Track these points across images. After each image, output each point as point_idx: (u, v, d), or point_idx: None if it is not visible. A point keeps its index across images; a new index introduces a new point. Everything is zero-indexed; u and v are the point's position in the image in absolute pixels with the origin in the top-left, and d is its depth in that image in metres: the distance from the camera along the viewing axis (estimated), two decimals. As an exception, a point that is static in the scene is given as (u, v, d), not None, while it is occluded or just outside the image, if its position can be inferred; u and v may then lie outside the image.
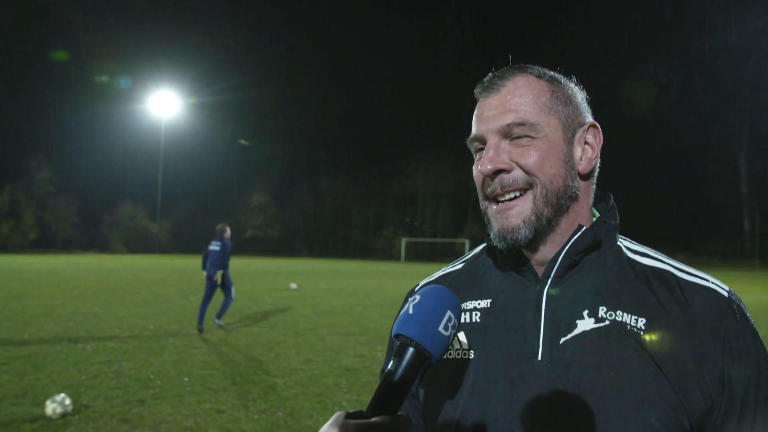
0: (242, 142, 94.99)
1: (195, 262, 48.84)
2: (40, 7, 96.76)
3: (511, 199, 1.02)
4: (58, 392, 5.87)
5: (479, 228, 77.39)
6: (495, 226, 1.04)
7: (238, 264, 45.60)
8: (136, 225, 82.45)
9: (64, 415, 5.40)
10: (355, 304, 16.29)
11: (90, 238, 77.42)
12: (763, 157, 60.92)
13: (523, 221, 1.00)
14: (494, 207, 1.04)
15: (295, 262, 56.58)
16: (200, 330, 10.68)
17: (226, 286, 11.43)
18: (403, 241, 71.89)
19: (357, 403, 6.12)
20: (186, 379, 6.95)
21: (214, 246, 11.53)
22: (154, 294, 17.69)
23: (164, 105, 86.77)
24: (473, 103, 1.11)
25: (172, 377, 7.02)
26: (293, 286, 21.12)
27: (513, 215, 1.01)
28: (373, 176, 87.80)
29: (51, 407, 5.40)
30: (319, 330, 11.11)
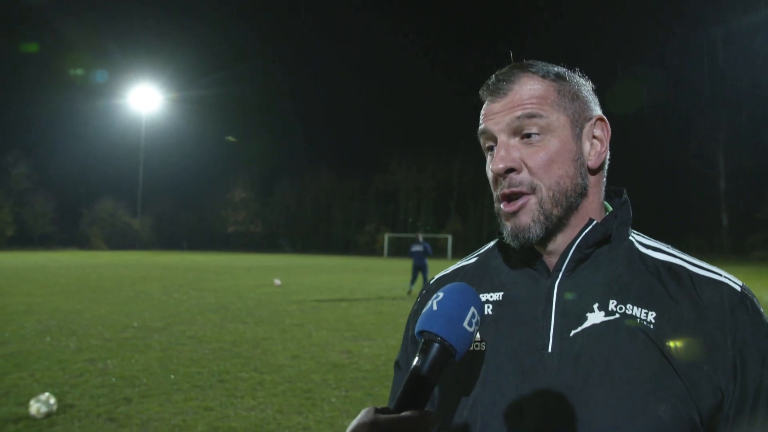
0: (229, 138, 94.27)
1: (177, 258, 48.36)
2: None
3: (518, 198, 1.03)
4: (42, 391, 5.78)
5: (461, 223, 77.86)
6: (508, 225, 1.05)
7: (219, 260, 45.29)
8: (117, 221, 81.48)
9: (48, 415, 5.32)
10: (340, 299, 16.28)
11: (69, 234, 76.41)
12: (741, 154, 62.02)
13: (533, 220, 1.02)
14: (504, 206, 1.05)
15: (277, 257, 56.35)
16: (409, 292, 18.05)
17: (426, 269, 17.86)
18: (386, 237, 71.93)
19: (346, 399, 6.12)
20: (172, 376, 6.89)
21: (417, 248, 18.11)
22: (136, 291, 17.49)
23: (144, 100, 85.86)
24: (478, 105, 1.12)
25: (159, 375, 6.95)
26: (277, 282, 21.03)
27: (522, 214, 1.03)
28: (355, 172, 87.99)
29: (35, 407, 5.31)
30: (305, 326, 11.08)
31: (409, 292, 18.09)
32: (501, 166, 1.02)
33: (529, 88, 1.04)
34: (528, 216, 1.02)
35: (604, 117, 1.09)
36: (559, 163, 1.02)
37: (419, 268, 18.04)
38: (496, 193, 1.07)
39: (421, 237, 18.80)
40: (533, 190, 1.02)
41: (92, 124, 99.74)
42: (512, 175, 1.02)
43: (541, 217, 1.01)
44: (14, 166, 75.29)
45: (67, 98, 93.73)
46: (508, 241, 1.06)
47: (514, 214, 1.03)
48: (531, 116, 1.02)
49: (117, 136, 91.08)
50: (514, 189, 1.02)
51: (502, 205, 1.06)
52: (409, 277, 18.94)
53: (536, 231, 1.02)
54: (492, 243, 1.23)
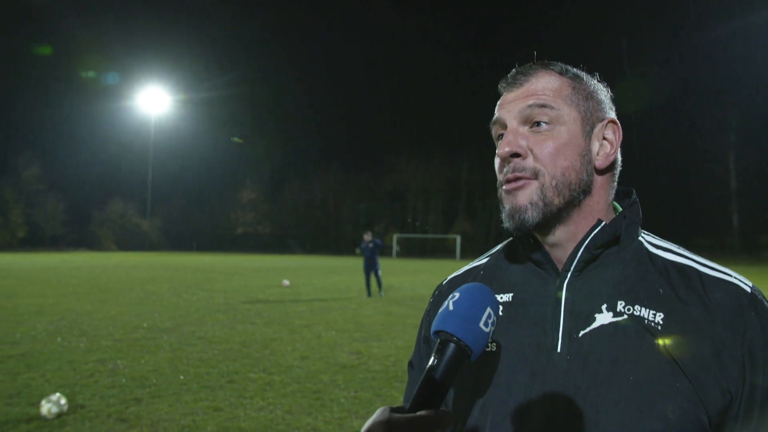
0: (235, 139, 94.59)
1: (186, 259, 48.64)
2: (22, 0, 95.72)
3: (518, 179, 1.04)
4: (53, 392, 5.83)
5: (470, 224, 77.65)
6: (506, 205, 1.05)
7: (228, 261, 45.47)
8: (127, 222, 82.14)
9: (59, 415, 5.37)
10: (349, 300, 16.30)
11: (79, 235, 77.08)
12: (752, 153, 61.49)
13: (530, 203, 1.02)
14: (505, 187, 1.06)
15: (286, 258, 56.47)
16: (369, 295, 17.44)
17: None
18: (395, 237, 71.86)
19: (355, 399, 6.12)
20: (182, 377, 6.93)
21: (371, 244, 17.76)
22: (146, 292, 17.61)
23: (153, 101, 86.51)
24: (490, 98, 1.13)
25: (168, 375, 6.99)
26: (286, 282, 21.09)
27: (520, 195, 1.03)
28: (363, 172, 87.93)
29: (46, 407, 5.35)
30: (314, 327, 11.10)
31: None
32: (507, 149, 1.03)
33: (545, 81, 1.06)
34: (526, 198, 1.02)
35: (617, 121, 1.10)
36: (566, 154, 1.02)
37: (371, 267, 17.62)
38: (500, 178, 1.07)
39: (369, 235, 18.39)
40: (536, 176, 1.02)
41: (102, 126, 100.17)
42: (517, 160, 1.03)
43: (540, 203, 1.01)
44: (25, 167, 76.00)
45: (77, 100, 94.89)
46: (505, 225, 1.06)
47: (514, 194, 1.04)
48: (542, 106, 1.03)
49: (126, 138, 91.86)
50: (518, 174, 1.03)
51: (503, 188, 1.06)
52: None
53: (532, 214, 1.01)
54: (503, 244, 1.24)
